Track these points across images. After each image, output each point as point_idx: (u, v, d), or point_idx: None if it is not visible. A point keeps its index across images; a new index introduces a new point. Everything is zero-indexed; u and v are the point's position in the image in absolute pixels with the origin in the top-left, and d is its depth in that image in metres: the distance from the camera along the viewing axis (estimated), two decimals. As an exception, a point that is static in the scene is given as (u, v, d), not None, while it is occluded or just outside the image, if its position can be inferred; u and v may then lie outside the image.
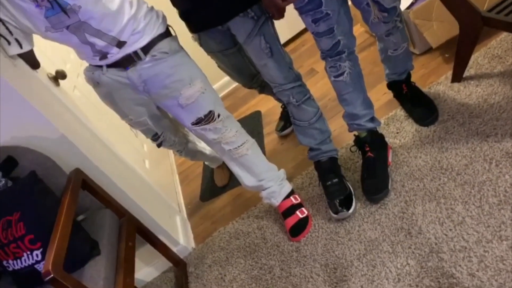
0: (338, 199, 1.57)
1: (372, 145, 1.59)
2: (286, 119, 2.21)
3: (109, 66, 1.41)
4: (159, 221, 1.81)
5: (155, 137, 1.68)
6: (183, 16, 1.53)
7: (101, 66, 1.42)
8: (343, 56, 1.43)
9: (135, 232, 1.62)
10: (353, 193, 1.60)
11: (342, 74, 1.47)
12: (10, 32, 1.31)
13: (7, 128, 1.43)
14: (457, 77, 1.75)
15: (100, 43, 1.33)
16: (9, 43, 1.33)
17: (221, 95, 3.05)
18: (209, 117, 1.49)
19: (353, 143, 1.67)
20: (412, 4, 1.99)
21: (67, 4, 1.23)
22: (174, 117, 1.59)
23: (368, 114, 1.57)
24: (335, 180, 1.60)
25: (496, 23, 1.52)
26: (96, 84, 1.47)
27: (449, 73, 1.79)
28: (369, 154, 1.59)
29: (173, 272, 1.83)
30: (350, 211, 1.54)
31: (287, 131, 2.19)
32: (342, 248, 1.46)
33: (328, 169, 1.64)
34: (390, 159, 1.63)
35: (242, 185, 1.69)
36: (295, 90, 1.56)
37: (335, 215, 1.56)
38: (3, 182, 1.36)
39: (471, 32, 1.58)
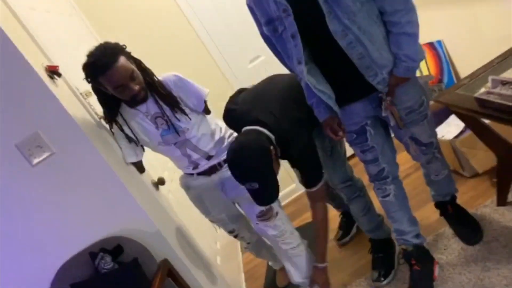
0: (379, 270, 1.92)
1: (418, 259, 1.77)
2: (345, 229, 2.44)
3: (198, 174, 1.88)
4: (226, 314, 2.05)
5: (231, 232, 2.06)
6: None
7: (192, 174, 1.89)
8: (387, 180, 1.72)
9: (205, 321, 1.88)
10: (394, 268, 1.94)
11: (388, 195, 1.74)
12: (134, 143, 1.82)
13: (118, 221, 1.84)
14: (502, 201, 1.91)
15: (195, 156, 1.81)
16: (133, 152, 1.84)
17: (287, 200, 3.37)
18: (269, 210, 1.85)
19: (401, 256, 1.85)
20: (461, 133, 2.25)
21: (179, 127, 1.72)
22: (244, 210, 1.94)
23: (413, 231, 1.78)
24: (381, 255, 1.95)
25: (530, 157, 1.72)
26: (188, 188, 1.93)
27: (495, 197, 1.96)
28: (415, 267, 1.76)
29: None
30: (384, 282, 1.90)
31: (345, 240, 2.41)
32: None
33: (377, 246, 2.04)
34: (436, 273, 1.77)
35: (291, 280, 1.99)
36: (345, 189, 1.96)
37: (372, 282, 1.93)
38: (112, 265, 1.74)
39: (507, 164, 1.79)
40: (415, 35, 1.45)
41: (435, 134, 1.74)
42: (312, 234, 2.74)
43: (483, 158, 2.11)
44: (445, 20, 2.64)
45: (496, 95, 1.45)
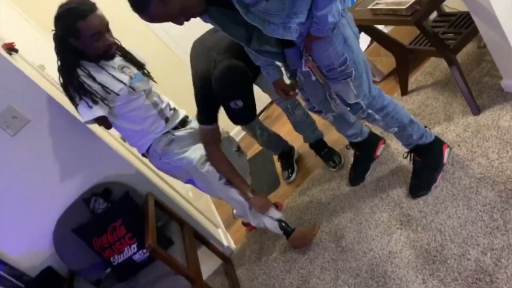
0: (330, 161, 2.42)
1: (360, 148, 2.19)
2: (288, 167, 2.73)
3: (173, 129, 2.01)
4: (209, 229, 2.44)
5: None
6: None
7: (168, 132, 1.99)
8: (321, 114, 2.03)
9: (192, 234, 2.24)
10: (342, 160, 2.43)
11: (327, 119, 2.07)
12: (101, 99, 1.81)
13: (102, 170, 2.12)
14: (404, 91, 2.43)
15: (162, 104, 1.99)
16: (96, 103, 1.75)
17: (238, 137, 3.75)
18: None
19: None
20: (368, 46, 2.73)
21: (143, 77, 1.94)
22: (223, 145, 2.13)
23: (354, 134, 2.12)
24: (326, 150, 2.47)
25: (417, 52, 2.23)
26: (170, 141, 1.97)
27: (400, 90, 2.48)
28: (357, 153, 2.23)
29: (223, 267, 2.42)
30: (336, 168, 2.40)
31: (293, 177, 2.69)
32: (339, 218, 2.07)
33: (317, 146, 2.49)
34: (378, 153, 2.21)
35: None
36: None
37: (331, 169, 2.43)
38: (105, 205, 2.04)
39: (402, 60, 2.29)
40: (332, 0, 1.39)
41: (365, 96, 1.70)
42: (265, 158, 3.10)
43: (386, 62, 2.62)
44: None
45: (383, 4, 1.89)
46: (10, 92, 1.90)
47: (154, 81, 2.04)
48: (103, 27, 1.75)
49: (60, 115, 1.99)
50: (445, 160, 1.87)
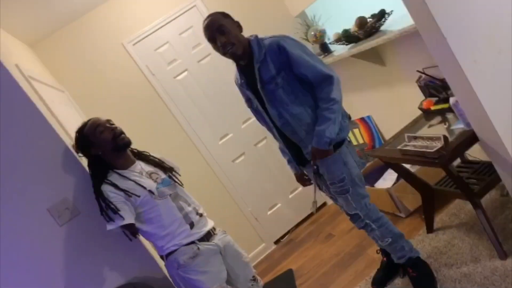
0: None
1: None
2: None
3: (199, 240, 2.05)
4: None
5: None
6: None
7: (193, 242, 2.01)
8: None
9: None
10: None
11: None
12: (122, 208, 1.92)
13: (132, 270, 2.18)
14: (430, 229, 2.51)
15: (188, 208, 2.07)
16: (122, 217, 1.90)
17: (258, 259, 3.78)
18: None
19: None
20: (394, 184, 2.90)
21: (170, 181, 2.10)
22: (239, 273, 2.16)
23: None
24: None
25: (443, 192, 2.37)
26: (195, 255, 1.99)
27: (425, 227, 2.56)
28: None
29: None
30: None
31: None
32: None
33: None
34: None
35: None
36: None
37: None
38: (132, 304, 2.06)
39: (428, 199, 2.43)
40: (330, 120, 1.86)
41: (362, 208, 2.07)
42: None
43: (412, 199, 2.75)
44: (372, 99, 3.44)
45: (410, 146, 2.11)
46: (69, 185, 2.10)
47: (181, 185, 2.15)
48: (102, 121, 2.02)
49: (106, 212, 2.14)
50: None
